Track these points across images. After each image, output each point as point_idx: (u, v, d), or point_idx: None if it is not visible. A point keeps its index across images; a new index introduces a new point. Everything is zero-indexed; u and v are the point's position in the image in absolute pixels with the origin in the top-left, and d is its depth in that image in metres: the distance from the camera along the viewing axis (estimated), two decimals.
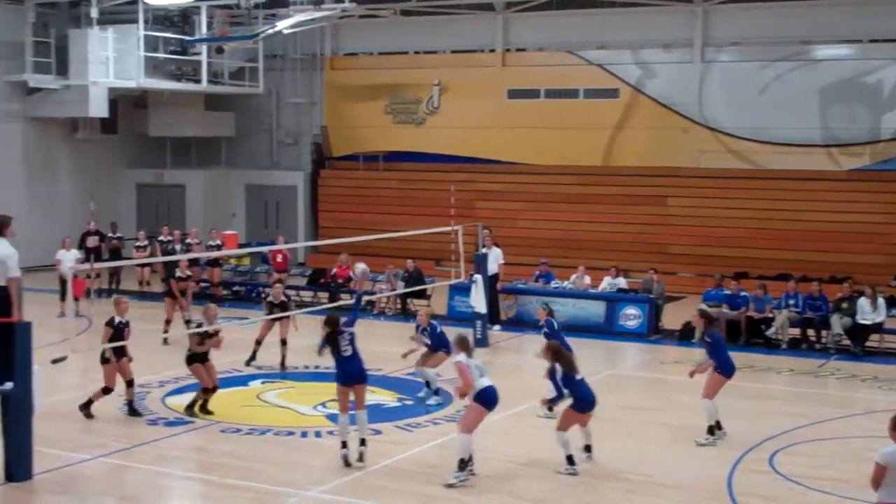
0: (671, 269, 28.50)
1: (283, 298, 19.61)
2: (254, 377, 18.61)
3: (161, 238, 28.38)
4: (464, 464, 12.76)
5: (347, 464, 13.23)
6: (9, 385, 12.40)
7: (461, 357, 12.94)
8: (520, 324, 23.71)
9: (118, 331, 15.51)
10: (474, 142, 33.12)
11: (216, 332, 16.03)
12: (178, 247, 27.09)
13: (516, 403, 15.53)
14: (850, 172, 29.00)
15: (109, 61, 30.84)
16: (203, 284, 26.90)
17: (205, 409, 15.78)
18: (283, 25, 30.62)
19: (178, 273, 22.30)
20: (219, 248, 27.73)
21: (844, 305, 21.81)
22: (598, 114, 31.56)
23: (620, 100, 31.42)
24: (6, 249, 12.53)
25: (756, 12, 30.12)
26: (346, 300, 21.35)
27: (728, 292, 22.95)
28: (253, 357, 19.39)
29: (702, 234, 29.75)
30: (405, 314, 24.79)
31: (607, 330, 23.28)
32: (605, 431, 14.10)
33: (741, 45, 30.60)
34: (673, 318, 23.50)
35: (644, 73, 31.27)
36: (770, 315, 22.26)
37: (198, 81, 33.03)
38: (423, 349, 17.00)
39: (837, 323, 21.65)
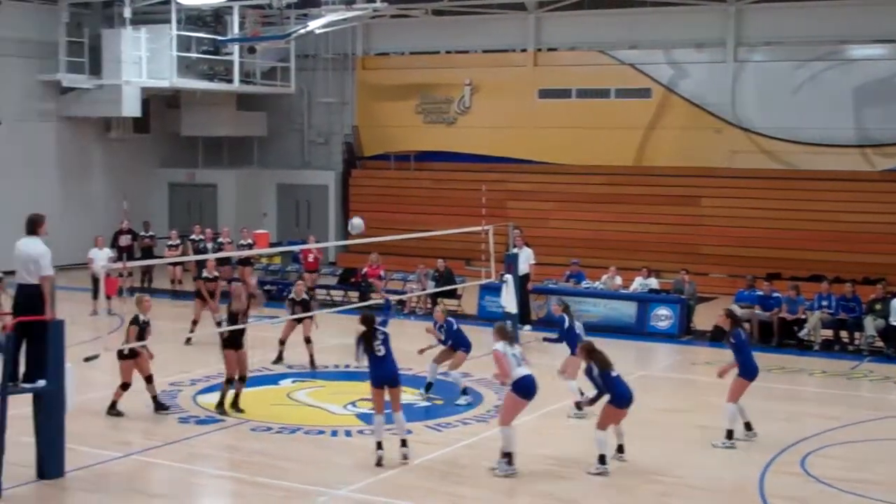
0: (703, 270, 28.34)
1: (304, 296, 19.55)
2: (284, 376, 18.66)
3: (193, 237, 28.44)
4: (509, 457, 12.74)
5: (380, 464, 13.21)
6: (42, 383, 12.50)
7: (499, 346, 13.07)
8: (550, 324, 23.51)
9: (142, 329, 15.67)
10: (505, 142, 33.09)
11: (253, 295, 16.48)
12: (209, 245, 27.15)
13: (546, 404, 15.48)
14: (883, 173, 28.78)
15: (142, 61, 31.03)
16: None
17: (236, 407, 15.83)
18: (314, 25, 30.70)
19: (206, 273, 22.34)
20: (250, 247, 27.80)
21: (878, 307, 21.63)
22: (629, 114, 31.46)
23: (652, 100, 31.33)
24: (39, 248, 12.59)
25: (789, 12, 29.95)
26: (377, 299, 21.32)
27: (760, 293, 22.80)
28: (280, 357, 19.42)
29: (734, 235, 29.56)
30: None
31: (638, 331, 23.20)
32: (637, 433, 14.03)
33: (774, 45, 30.44)
34: (705, 319, 23.34)
35: (676, 72, 31.16)
36: (803, 316, 22.08)
37: (230, 81, 33.17)
38: (441, 347, 16.99)
39: (871, 324, 21.47)
